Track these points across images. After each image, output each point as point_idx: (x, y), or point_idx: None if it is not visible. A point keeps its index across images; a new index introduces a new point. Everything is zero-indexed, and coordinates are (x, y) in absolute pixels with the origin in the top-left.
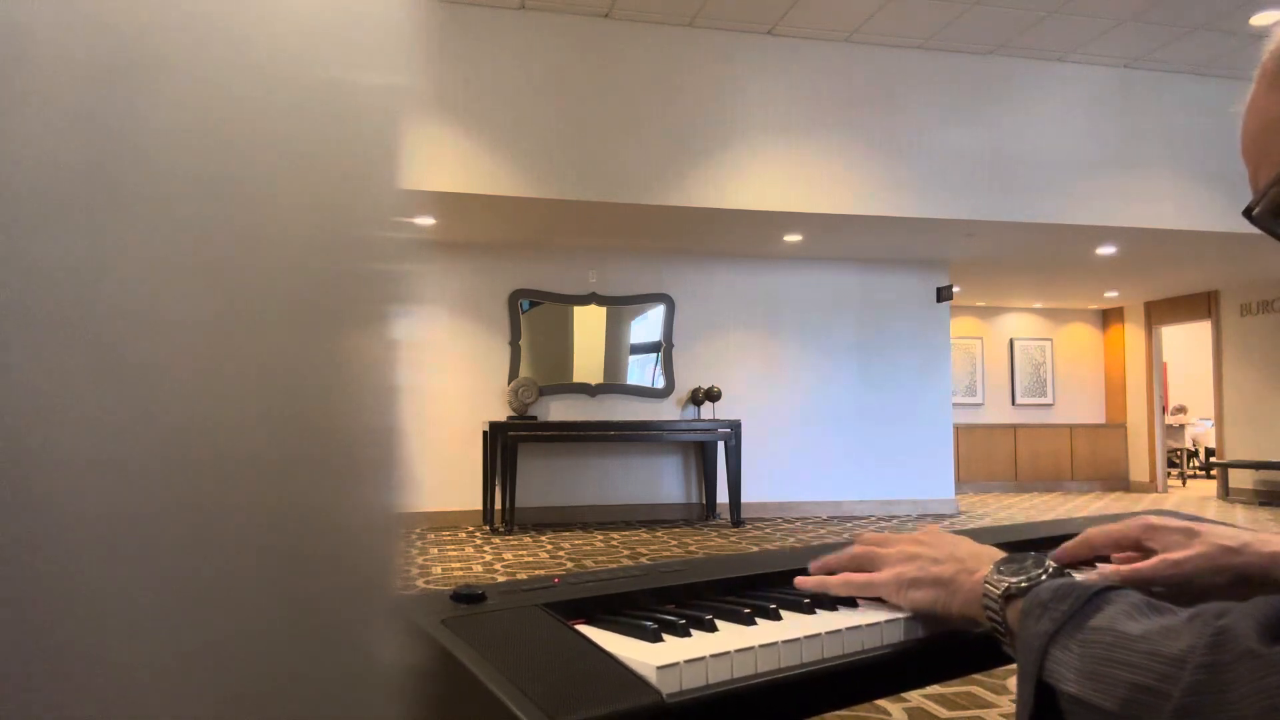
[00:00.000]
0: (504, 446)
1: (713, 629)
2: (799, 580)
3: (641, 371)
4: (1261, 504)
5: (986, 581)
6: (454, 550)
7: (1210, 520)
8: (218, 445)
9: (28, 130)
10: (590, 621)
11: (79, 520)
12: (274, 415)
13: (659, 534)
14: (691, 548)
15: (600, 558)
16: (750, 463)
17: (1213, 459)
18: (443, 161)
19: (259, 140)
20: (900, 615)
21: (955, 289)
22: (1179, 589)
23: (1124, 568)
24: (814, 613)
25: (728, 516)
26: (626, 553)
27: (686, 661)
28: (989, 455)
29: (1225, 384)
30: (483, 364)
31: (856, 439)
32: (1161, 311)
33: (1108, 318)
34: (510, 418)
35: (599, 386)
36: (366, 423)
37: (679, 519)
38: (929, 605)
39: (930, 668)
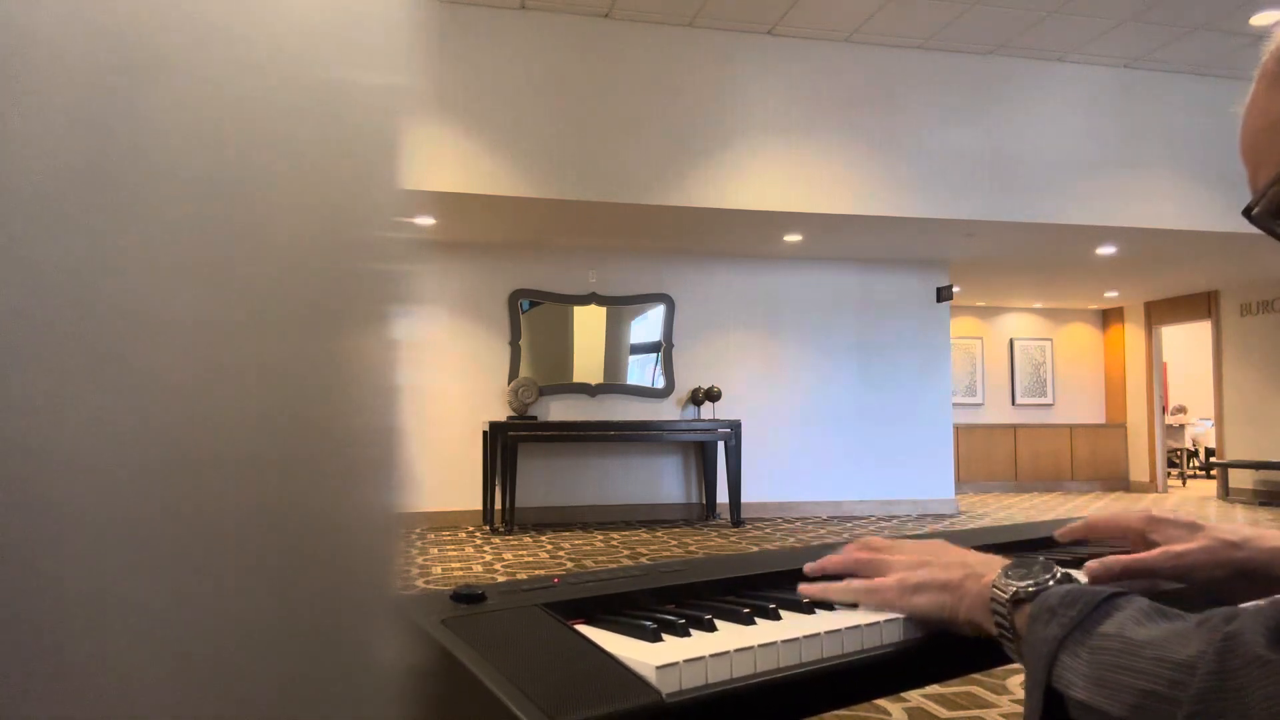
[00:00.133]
0: (504, 446)
1: (712, 629)
2: (803, 587)
3: (641, 371)
4: (1261, 504)
5: (994, 586)
6: (454, 550)
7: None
8: (217, 445)
9: (28, 130)
10: (590, 621)
11: (79, 520)
12: (274, 415)
13: (659, 534)
14: (691, 548)
15: (600, 558)
16: (750, 463)
17: (1213, 459)
18: (443, 161)
19: (259, 140)
20: (900, 615)
21: (955, 289)
22: (1179, 581)
23: (1126, 557)
24: (813, 612)
25: (728, 516)
26: (626, 553)
27: (686, 661)
28: (989, 455)
29: (1225, 384)
30: (483, 364)
31: (856, 439)
32: (1161, 311)
33: (1108, 318)
34: (510, 418)
35: (599, 386)
36: (367, 423)
37: (679, 519)
38: (934, 610)
39: (930, 668)
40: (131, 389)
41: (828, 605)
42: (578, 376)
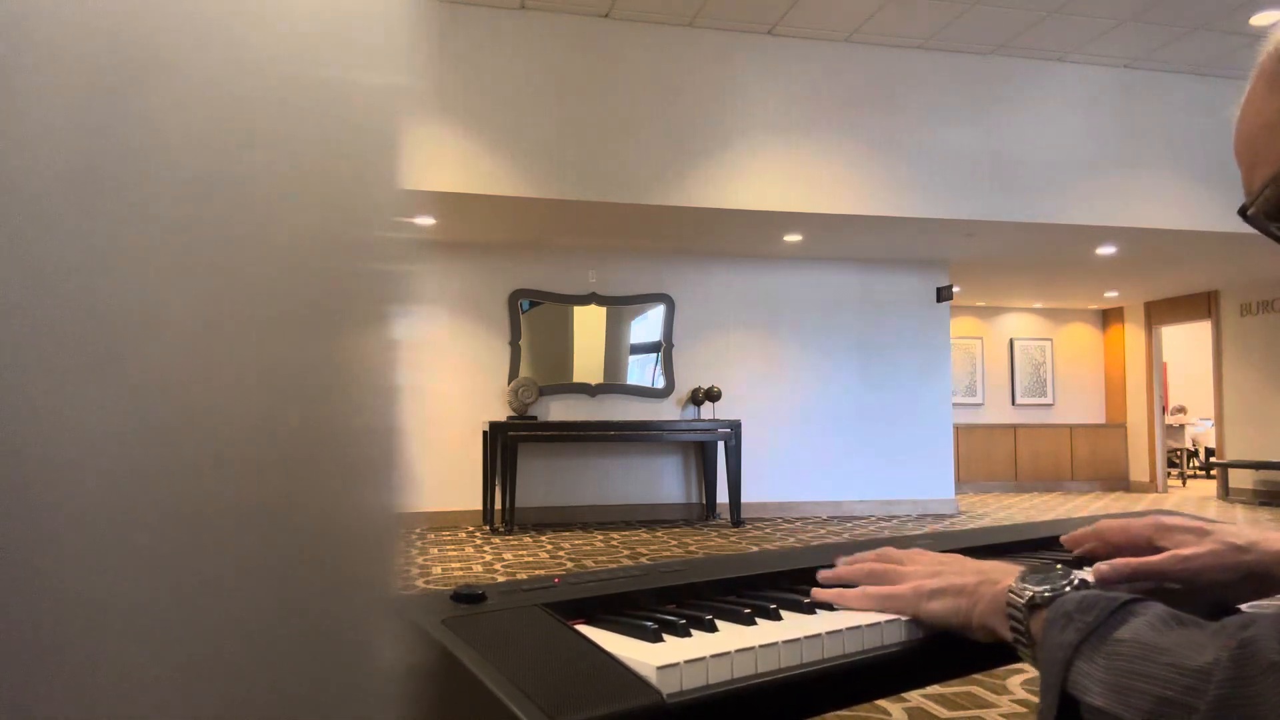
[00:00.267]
0: (504, 446)
1: (713, 629)
2: (816, 592)
3: (641, 371)
4: (1261, 504)
5: (1011, 590)
6: (454, 550)
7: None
8: (217, 445)
9: (28, 130)
10: (590, 621)
11: (79, 520)
12: (274, 415)
13: (659, 534)
14: (691, 548)
15: (600, 558)
16: (750, 463)
17: (1213, 459)
18: (443, 161)
19: (259, 140)
20: (900, 615)
21: (955, 289)
22: (1188, 584)
23: (1134, 560)
24: (814, 613)
25: (728, 516)
26: (626, 553)
27: (687, 661)
28: (989, 455)
29: (1225, 384)
30: (483, 364)
31: (856, 439)
32: (1161, 311)
33: (1108, 318)
34: (510, 418)
35: (599, 386)
36: (367, 423)
37: (679, 519)
38: (949, 615)
39: (931, 668)
40: (131, 389)
41: (829, 605)
42: (578, 376)
